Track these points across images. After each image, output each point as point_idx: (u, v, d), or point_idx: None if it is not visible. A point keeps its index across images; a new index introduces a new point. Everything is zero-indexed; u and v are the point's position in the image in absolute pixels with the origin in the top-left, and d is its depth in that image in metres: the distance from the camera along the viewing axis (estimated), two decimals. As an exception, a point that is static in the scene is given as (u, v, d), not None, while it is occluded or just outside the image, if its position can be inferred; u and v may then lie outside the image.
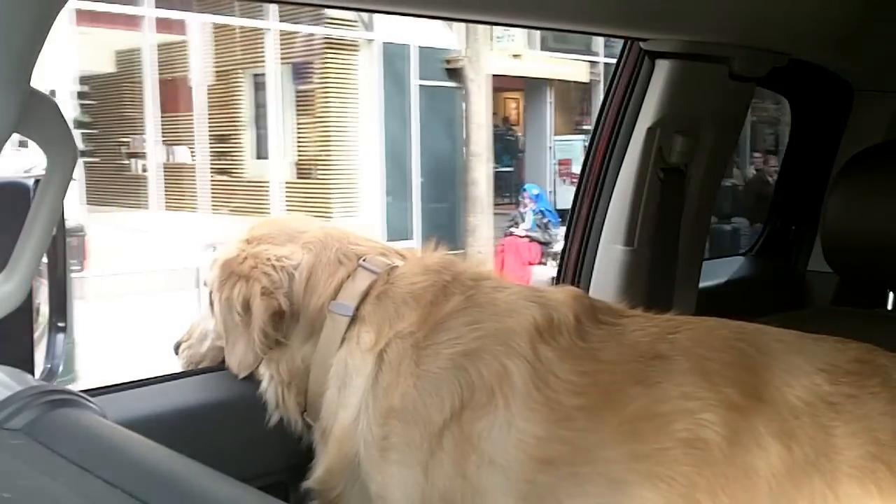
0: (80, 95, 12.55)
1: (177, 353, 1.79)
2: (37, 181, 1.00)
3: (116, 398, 1.55)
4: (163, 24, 12.72)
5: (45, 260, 1.28)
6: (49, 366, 1.32)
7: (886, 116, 2.69)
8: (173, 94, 13.82)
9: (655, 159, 2.15)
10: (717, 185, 2.38)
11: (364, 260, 1.60)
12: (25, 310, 1.22)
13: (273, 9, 12.75)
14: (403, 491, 1.40)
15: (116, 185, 14.24)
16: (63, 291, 1.35)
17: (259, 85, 13.97)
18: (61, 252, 1.32)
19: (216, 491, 0.67)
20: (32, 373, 1.27)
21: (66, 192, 0.87)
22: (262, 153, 14.25)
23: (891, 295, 2.67)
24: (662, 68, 2.12)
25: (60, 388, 0.82)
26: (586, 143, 2.44)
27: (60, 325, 1.34)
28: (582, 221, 2.27)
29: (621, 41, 2.25)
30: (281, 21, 13.03)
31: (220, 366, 1.70)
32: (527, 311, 1.45)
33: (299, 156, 14.07)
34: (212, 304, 1.68)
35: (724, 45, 2.07)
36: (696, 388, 1.32)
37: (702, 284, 2.40)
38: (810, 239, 2.83)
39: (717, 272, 2.83)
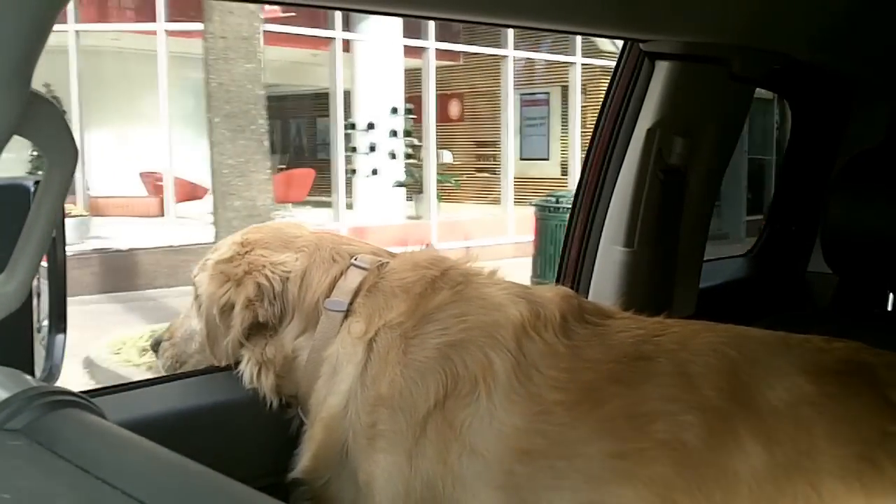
0: (407, 111, 15.27)
1: (155, 351, 1.80)
2: (37, 182, 1.00)
3: (116, 399, 1.56)
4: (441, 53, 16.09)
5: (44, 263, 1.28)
6: (49, 367, 1.32)
7: (886, 117, 2.69)
8: (445, 108, 18.00)
9: (655, 160, 2.15)
10: (718, 186, 2.38)
11: (356, 258, 1.63)
12: (25, 310, 1.22)
13: (578, 44, 16.56)
14: (388, 478, 1.41)
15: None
16: (63, 292, 1.35)
17: (526, 102, 17.91)
18: (61, 252, 1.32)
19: (216, 492, 0.67)
20: (32, 374, 1.27)
21: (66, 193, 0.87)
22: (524, 155, 17.89)
23: (891, 296, 2.67)
24: (662, 69, 2.12)
25: (60, 389, 0.82)
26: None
27: (60, 325, 1.34)
28: (582, 222, 2.27)
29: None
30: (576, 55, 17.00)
31: (220, 367, 1.70)
32: (514, 306, 1.47)
33: (564, 158, 18.08)
34: (199, 303, 1.70)
35: (723, 46, 2.07)
36: (677, 391, 1.33)
37: (702, 285, 2.40)
38: (810, 240, 2.83)
39: (717, 273, 2.83)
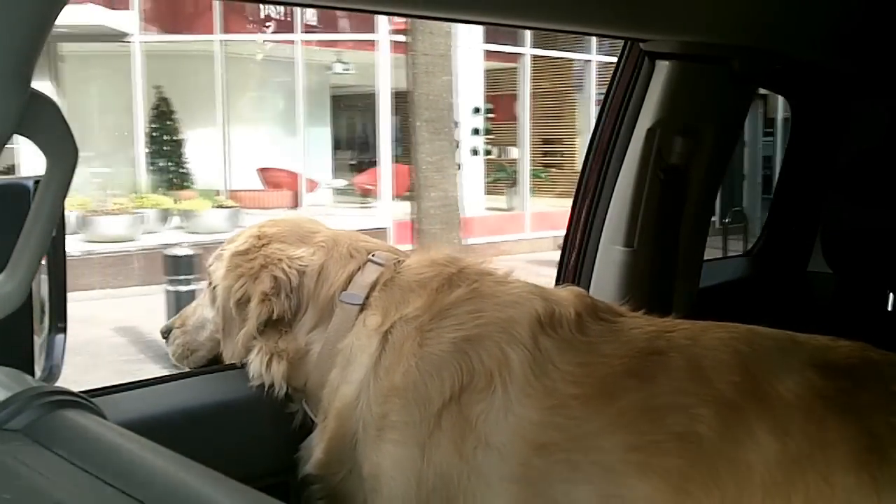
0: (487, 111, 16.60)
1: (165, 338, 1.80)
2: (37, 182, 1.00)
3: (117, 399, 1.55)
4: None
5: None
6: (49, 367, 1.32)
7: (887, 117, 2.70)
8: (511, 107, 18.46)
9: (655, 160, 2.15)
10: (718, 185, 2.38)
11: (373, 254, 1.65)
12: (25, 310, 1.22)
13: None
14: (399, 470, 1.42)
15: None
16: (63, 291, 1.35)
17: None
18: (61, 252, 1.32)
19: (217, 492, 0.67)
20: (32, 374, 1.27)
21: (66, 193, 0.87)
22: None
23: (891, 296, 2.67)
24: (662, 69, 2.12)
25: (60, 389, 0.82)
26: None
27: (60, 325, 1.34)
28: (582, 222, 2.27)
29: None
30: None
31: (221, 366, 1.70)
32: (529, 303, 1.49)
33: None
34: (214, 293, 1.70)
35: (724, 46, 2.07)
36: (690, 384, 1.34)
37: (702, 285, 2.40)
38: (810, 240, 2.83)
39: (717, 273, 2.83)
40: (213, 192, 14.61)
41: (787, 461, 1.25)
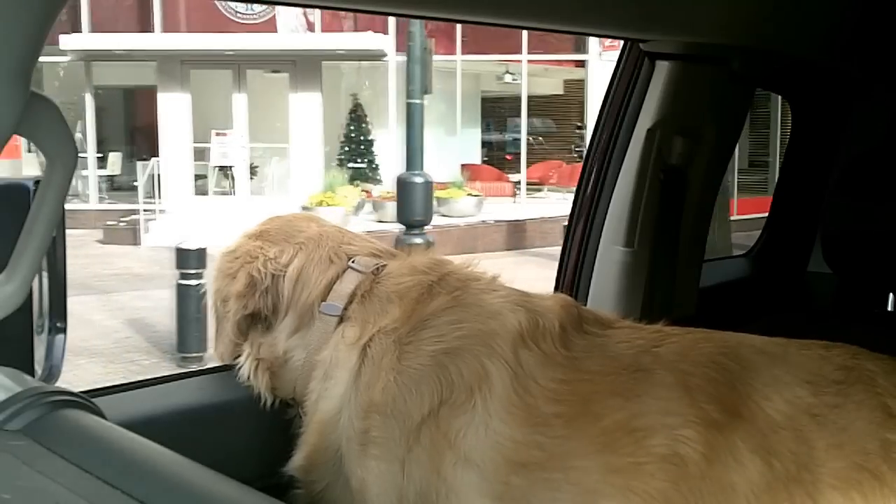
0: None
1: None
2: (37, 182, 1.00)
3: (116, 399, 1.56)
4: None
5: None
6: (49, 367, 1.32)
7: (887, 117, 2.69)
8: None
9: (655, 160, 2.15)
10: (718, 186, 2.38)
11: (353, 260, 1.61)
12: (25, 310, 1.22)
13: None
14: (381, 486, 1.40)
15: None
16: (63, 292, 1.35)
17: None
18: (61, 252, 1.32)
19: (217, 492, 0.67)
20: (32, 374, 1.27)
21: (66, 193, 0.87)
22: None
23: (891, 296, 2.67)
24: (662, 69, 2.12)
25: (60, 390, 0.82)
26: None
27: (60, 325, 1.34)
28: (582, 222, 2.27)
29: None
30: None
31: (221, 366, 1.70)
32: (512, 314, 1.45)
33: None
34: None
35: (724, 46, 2.07)
36: (676, 404, 1.32)
37: (702, 285, 2.40)
38: (810, 240, 2.83)
39: (717, 273, 2.83)
40: (461, 183, 17.65)
41: (773, 482, 1.24)
